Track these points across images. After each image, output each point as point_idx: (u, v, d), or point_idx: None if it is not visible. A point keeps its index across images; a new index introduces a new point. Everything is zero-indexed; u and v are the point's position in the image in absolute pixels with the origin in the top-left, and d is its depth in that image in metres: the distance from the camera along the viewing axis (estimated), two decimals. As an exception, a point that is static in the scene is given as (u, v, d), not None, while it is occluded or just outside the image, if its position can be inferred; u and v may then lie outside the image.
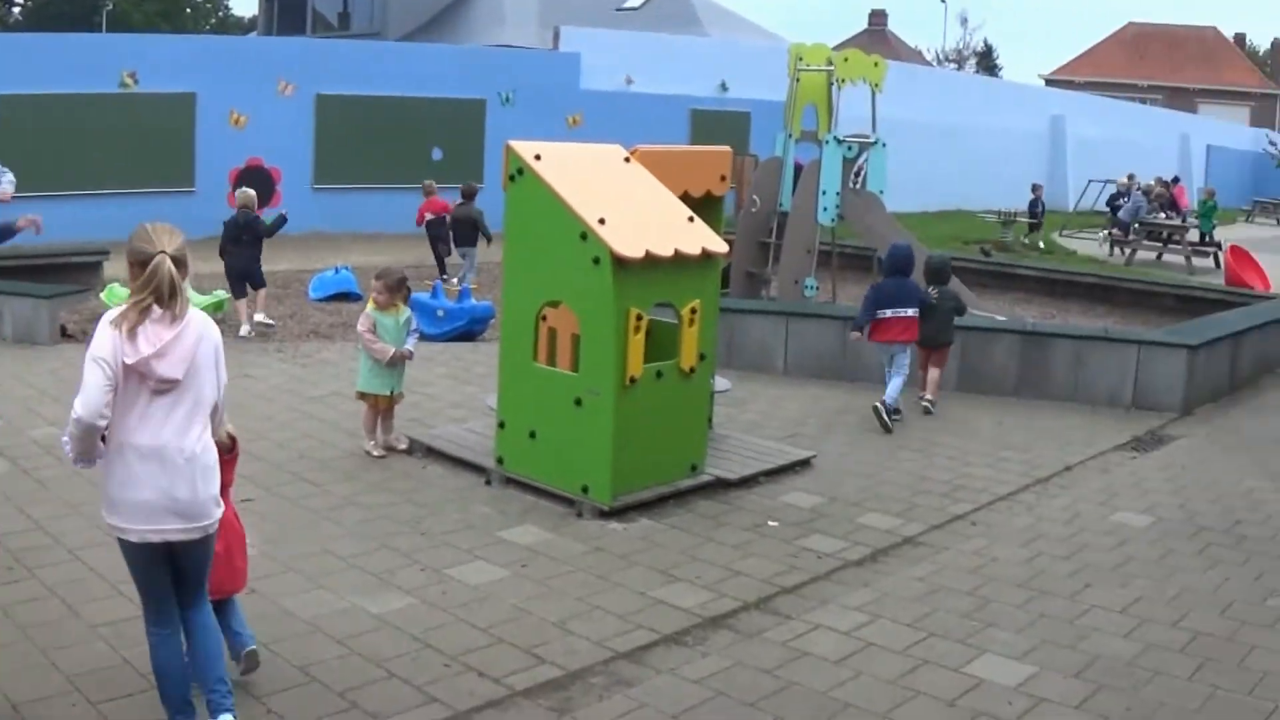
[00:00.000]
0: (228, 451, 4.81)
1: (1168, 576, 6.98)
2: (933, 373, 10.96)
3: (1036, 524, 7.88)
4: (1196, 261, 25.00)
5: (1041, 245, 26.34)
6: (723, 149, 9.46)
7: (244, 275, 13.69)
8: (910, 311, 10.46)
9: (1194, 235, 26.61)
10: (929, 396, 10.82)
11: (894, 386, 10.37)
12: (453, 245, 18.14)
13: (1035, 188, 29.31)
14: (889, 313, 10.41)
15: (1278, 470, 9.51)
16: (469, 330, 14.00)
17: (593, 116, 26.21)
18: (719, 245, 8.05)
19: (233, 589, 5.13)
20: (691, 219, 8.07)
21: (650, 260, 7.46)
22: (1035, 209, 28.17)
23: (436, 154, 24.76)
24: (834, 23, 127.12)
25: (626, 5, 42.38)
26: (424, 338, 10.66)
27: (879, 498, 8.27)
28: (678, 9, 41.23)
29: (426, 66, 25.54)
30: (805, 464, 8.94)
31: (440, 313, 14.00)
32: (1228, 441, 10.40)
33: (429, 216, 18.36)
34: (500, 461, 8.17)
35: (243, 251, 13.63)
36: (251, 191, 14.22)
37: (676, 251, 7.63)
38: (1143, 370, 11.36)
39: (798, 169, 15.58)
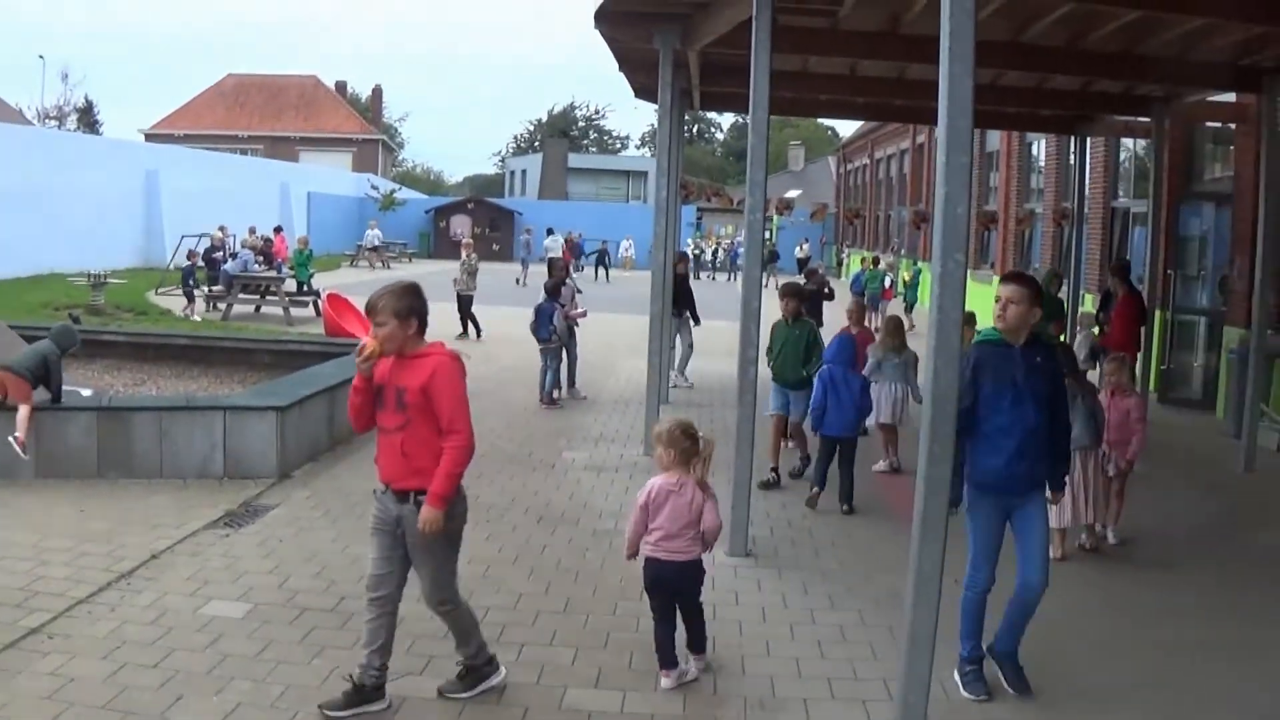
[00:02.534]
0: None
1: (269, 673, 6.56)
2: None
3: (121, 628, 7.15)
4: (296, 312, 25.47)
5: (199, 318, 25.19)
6: None
7: None
8: None
9: (292, 285, 27.10)
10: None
11: None
12: None
13: (191, 254, 28.20)
14: None
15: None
16: None
17: None
18: None
19: None
20: None
21: None
22: (188, 280, 26.89)
23: None
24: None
25: None
26: None
27: (-65, 622, 7.15)
28: None
29: None
30: None
31: None
32: (330, 504, 10.36)
33: None
34: None
35: None
36: None
37: None
38: (232, 437, 11.05)
39: None
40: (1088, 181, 21.07)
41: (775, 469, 11.82)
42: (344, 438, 12.85)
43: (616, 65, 16.31)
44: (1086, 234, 21.39)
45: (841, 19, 12.74)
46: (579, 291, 17.06)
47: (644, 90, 18.31)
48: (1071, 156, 21.39)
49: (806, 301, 12.78)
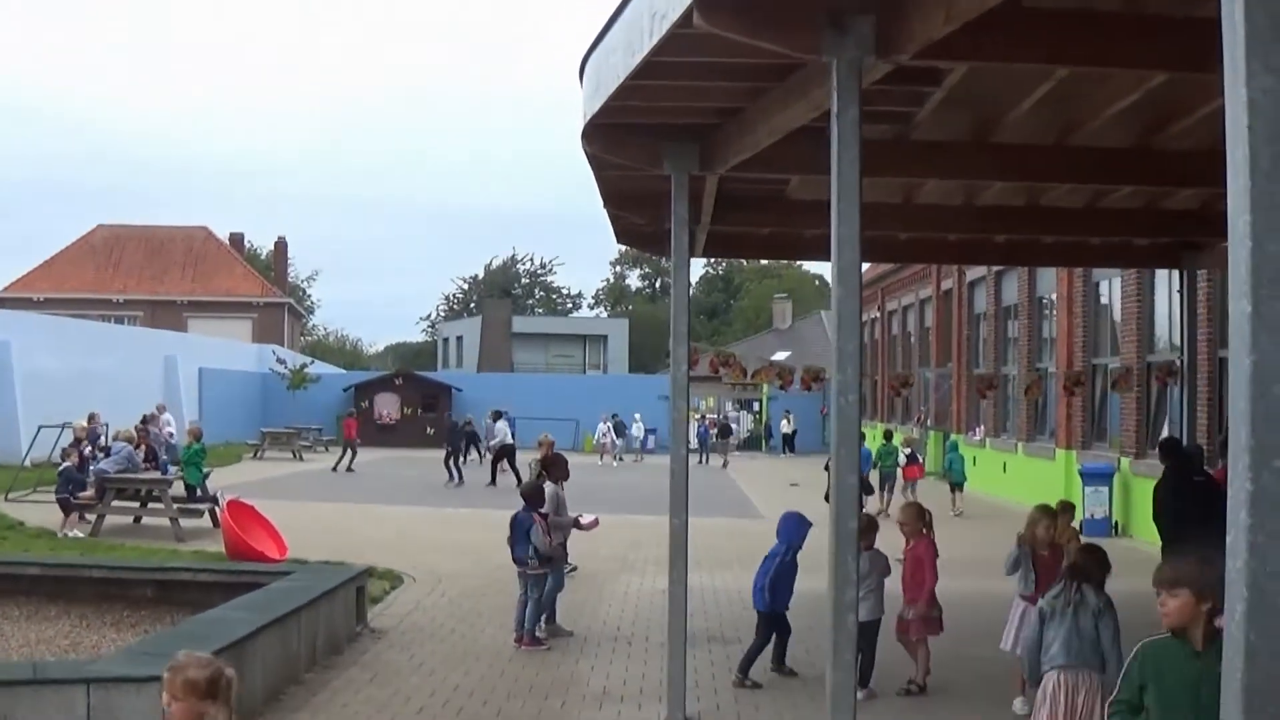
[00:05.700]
0: None
1: None
2: None
3: None
4: (188, 523, 23.87)
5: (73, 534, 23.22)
6: None
7: None
8: None
9: (181, 488, 25.40)
10: None
11: None
12: None
13: (66, 452, 26.49)
14: None
15: None
16: None
17: None
18: None
19: None
20: None
21: None
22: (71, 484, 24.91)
23: None
24: None
25: None
26: None
27: None
28: None
29: None
30: None
31: None
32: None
33: None
34: None
35: None
36: None
37: None
38: (99, 717, 9.37)
39: None
40: (1197, 327, 19.81)
41: None
42: (254, 710, 11.11)
43: (601, 201, 14.90)
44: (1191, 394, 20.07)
45: (916, 125, 11.40)
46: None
47: (633, 234, 16.99)
48: (1174, 296, 20.34)
49: None
